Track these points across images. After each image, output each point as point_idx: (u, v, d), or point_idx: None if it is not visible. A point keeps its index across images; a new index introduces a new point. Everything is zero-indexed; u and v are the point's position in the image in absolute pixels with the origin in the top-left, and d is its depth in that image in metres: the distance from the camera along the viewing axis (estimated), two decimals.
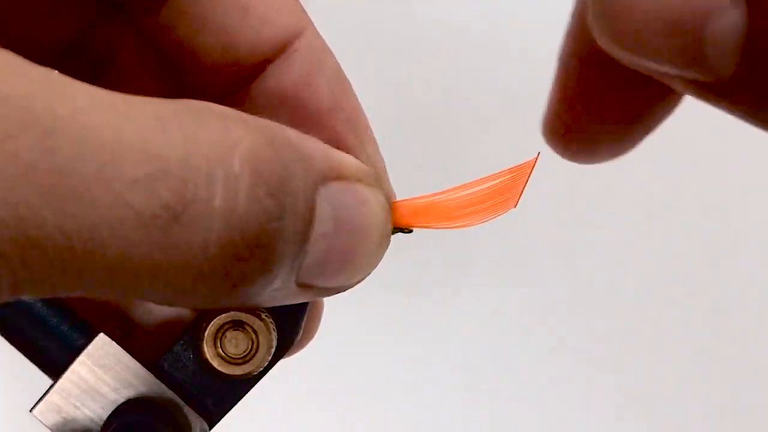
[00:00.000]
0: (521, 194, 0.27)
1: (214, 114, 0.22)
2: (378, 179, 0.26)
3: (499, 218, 0.27)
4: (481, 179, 0.27)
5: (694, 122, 0.58)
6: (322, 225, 0.23)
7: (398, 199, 0.28)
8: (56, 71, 0.20)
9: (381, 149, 0.30)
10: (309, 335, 0.31)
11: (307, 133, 0.25)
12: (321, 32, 0.30)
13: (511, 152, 0.28)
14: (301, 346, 0.31)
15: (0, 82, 0.19)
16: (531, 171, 0.26)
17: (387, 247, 0.26)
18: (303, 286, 0.24)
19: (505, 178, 0.27)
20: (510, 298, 0.56)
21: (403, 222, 0.27)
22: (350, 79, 0.30)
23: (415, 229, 0.28)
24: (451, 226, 0.27)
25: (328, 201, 0.24)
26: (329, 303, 0.30)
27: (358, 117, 0.29)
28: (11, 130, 0.19)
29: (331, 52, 0.29)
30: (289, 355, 0.30)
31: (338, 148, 0.26)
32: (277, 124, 0.23)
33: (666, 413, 0.56)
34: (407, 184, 0.30)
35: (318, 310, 0.31)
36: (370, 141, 0.29)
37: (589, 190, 0.57)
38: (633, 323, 0.56)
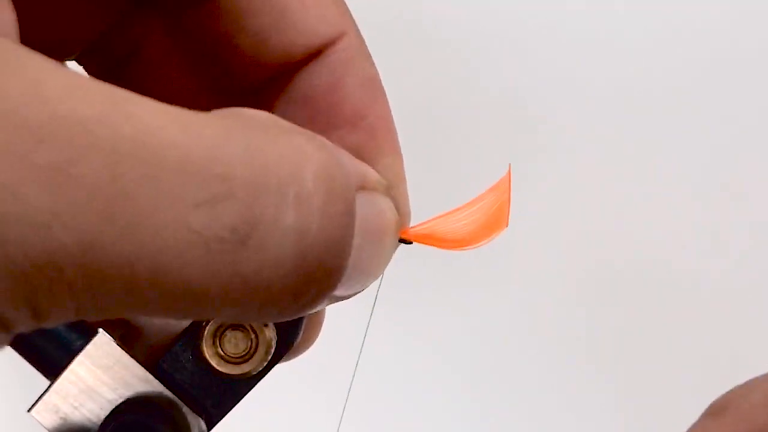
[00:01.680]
0: (509, 212, 0.27)
1: (281, 129, 0.22)
2: (390, 189, 0.26)
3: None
4: (468, 203, 0.28)
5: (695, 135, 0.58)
6: (355, 238, 0.23)
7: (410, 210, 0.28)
8: (121, 89, 0.20)
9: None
10: (309, 341, 0.31)
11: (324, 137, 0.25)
12: None
13: (509, 152, 0.28)
14: (301, 351, 0.31)
15: (63, 104, 0.18)
16: (509, 185, 0.27)
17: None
18: None
19: (489, 199, 0.27)
20: (509, 301, 0.56)
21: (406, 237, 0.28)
22: None
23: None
24: (451, 249, 0.27)
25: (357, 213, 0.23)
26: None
27: (380, 126, 0.29)
28: (75, 155, 0.18)
29: (370, 58, 0.29)
30: (288, 360, 0.30)
31: (353, 154, 0.26)
32: (330, 141, 0.23)
33: (664, 415, 0.56)
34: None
35: (319, 317, 0.31)
36: (391, 151, 0.29)
37: (586, 194, 0.57)
38: (632, 327, 0.56)
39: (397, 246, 0.27)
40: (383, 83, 0.29)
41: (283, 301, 0.21)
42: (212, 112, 0.21)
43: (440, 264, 0.55)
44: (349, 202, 0.22)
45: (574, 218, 0.57)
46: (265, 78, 0.29)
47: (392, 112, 0.29)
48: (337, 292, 0.24)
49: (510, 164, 0.26)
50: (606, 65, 0.57)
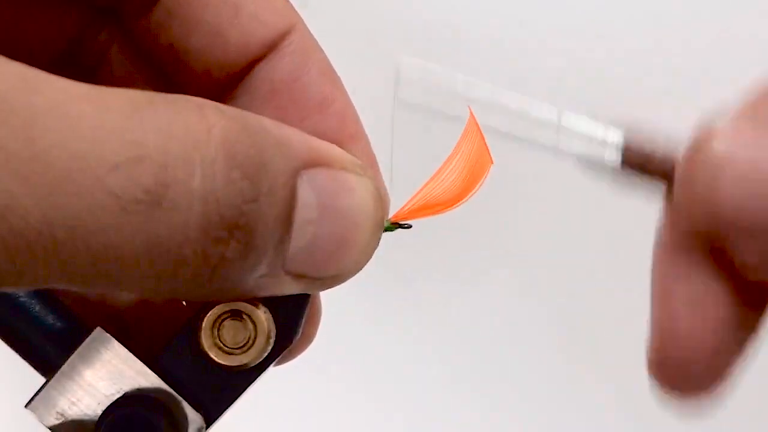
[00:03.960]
0: (488, 149, 0.27)
1: (189, 103, 0.22)
2: (367, 170, 0.26)
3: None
4: (446, 161, 0.28)
5: None
6: (306, 210, 0.24)
7: (387, 192, 0.28)
8: (30, 67, 0.20)
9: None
10: (307, 339, 0.31)
11: (296, 127, 0.25)
12: (315, 29, 0.30)
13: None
14: (300, 350, 0.30)
15: None
16: (477, 126, 0.27)
17: (380, 238, 0.26)
18: (294, 275, 0.25)
19: (466, 146, 0.28)
20: (511, 291, 0.56)
21: (402, 218, 0.28)
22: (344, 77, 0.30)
23: (414, 223, 0.28)
24: (451, 208, 0.28)
25: (310, 187, 0.24)
26: (327, 299, 0.30)
27: (347, 111, 0.30)
28: None
29: (320, 48, 0.30)
30: (287, 360, 0.29)
31: (327, 141, 0.26)
32: (254, 114, 0.24)
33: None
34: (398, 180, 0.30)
35: (316, 314, 0.31)
36: (359, 135, 0.30)
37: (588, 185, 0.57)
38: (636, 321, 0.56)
39: (383, 226, 0.26)
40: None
41: (195, 264, 0.22)
42: (123, 89, 0.22)
43: (437, 260, 0.55)
44: (253, 166, 0.22)
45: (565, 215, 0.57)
46: (226, 76, 0.29)
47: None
48: (311, 272, 0.25)
49: (470, 107, 0.27)
50: None
